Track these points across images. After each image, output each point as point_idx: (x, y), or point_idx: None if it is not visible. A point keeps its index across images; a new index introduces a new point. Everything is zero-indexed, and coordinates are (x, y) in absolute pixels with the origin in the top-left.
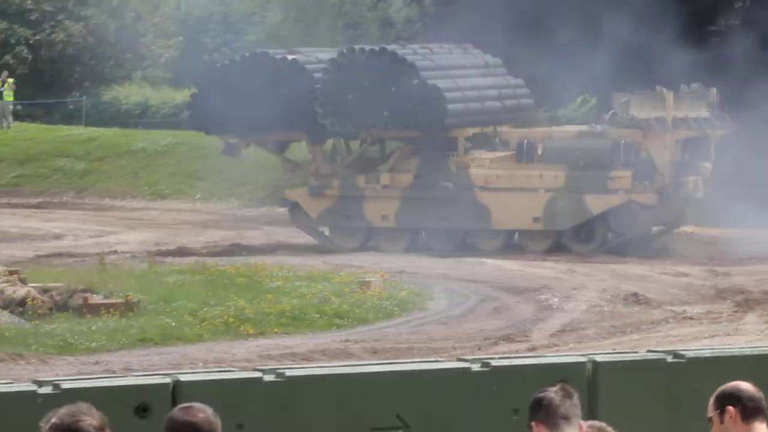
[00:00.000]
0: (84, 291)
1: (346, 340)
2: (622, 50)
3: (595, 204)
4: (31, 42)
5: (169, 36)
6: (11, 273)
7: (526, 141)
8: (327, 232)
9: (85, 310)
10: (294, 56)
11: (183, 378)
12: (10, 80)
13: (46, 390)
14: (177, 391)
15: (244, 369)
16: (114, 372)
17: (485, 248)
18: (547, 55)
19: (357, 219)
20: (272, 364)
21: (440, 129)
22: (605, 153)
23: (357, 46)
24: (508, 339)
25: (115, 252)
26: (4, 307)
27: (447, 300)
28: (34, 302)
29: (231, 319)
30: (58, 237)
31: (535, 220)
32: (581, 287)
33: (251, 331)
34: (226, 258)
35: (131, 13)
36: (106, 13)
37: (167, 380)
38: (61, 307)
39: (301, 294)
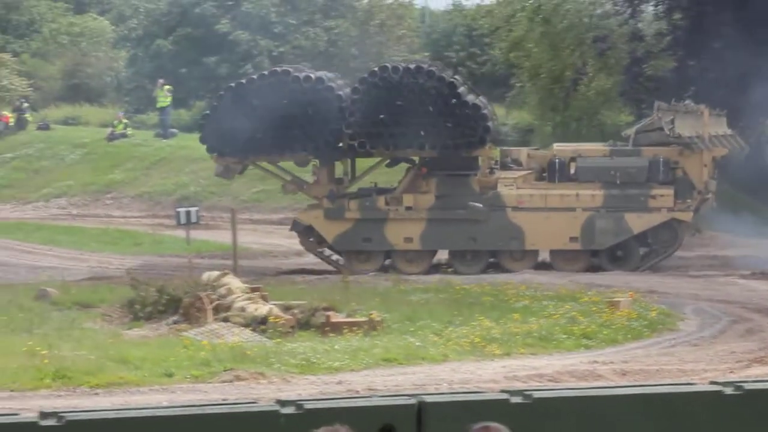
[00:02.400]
0: (326, 309)
1: (594, 362)
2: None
3: (636, 223)
4: (274, 54)
5: (413, 50)
6: (253, 290)
7: (557, 160)
8: (335, 257)
9: (327, 328)
10: (319, 74)
11: (428, 399)
12: (167, 87)
13: (289, 410)
14: (422, 412)
15: (491, 390)
16: (357, 392)
17: (514, 269)
18: None
19: (378, 242)
20: (519, 386)
21: (480, 148)
22: (643, 171)
23: (390, 65)
24: (761, 361)
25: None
26: (246, 325)
27: (698, 321)
28: (276, 320)
29: (477, 339)
30: (299, 254)
31: (572, 239)
32: None
33: (497, 352)
34: (472, 277)
35: (376, 22)
36: (350, 22)
37: (412, 401)
38: (303, 326)
39: (548, 314)
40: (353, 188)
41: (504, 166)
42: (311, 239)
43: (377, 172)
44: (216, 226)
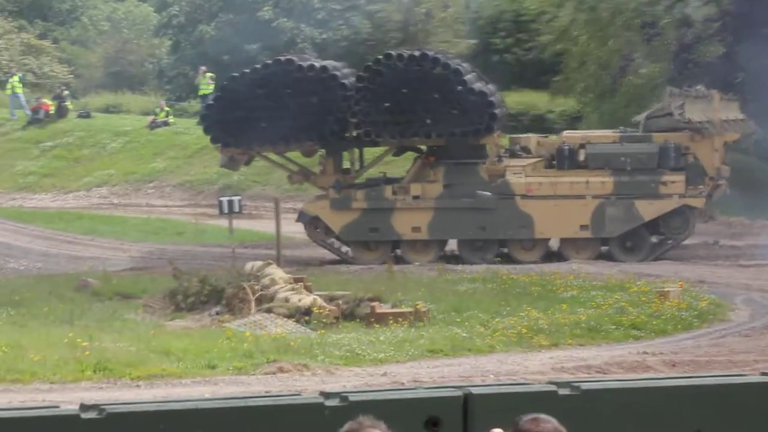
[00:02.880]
0: (371, 300)
1: (644, 353)
2: None
3: (648, 210)
4: (317, 41)
5: (458, 35)
6: (297, 281)
7: (567, 147)
8: (344, 249)
9: (372, 319)
10: (323, 63)
11: (474, 391)
12: (209, 74)
13: (333, 402)
14: (468, 404)
15: (538, 382)
16: (402, 384)
17: (524, 258)
18: None
19: (386, 232)
20: (566, 377)
21: (489, 136)
22: (653, 157)
23: (395, 53)
24: None
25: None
26: (290, 316)
27: (749, 311)
28: (321, 311)
29: (524, 330)
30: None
31: (582, 227)
32: None
33: (545, 343)
34: (519, 266)
35: (422, 9)
36: (395, 7)
37: (458, 393)
38: (347, 317)
39: (596, 304)
40: (362, 178)
41: (513, 154)
42: (318, 230)
43: (390, 163)
44: (259, 216)
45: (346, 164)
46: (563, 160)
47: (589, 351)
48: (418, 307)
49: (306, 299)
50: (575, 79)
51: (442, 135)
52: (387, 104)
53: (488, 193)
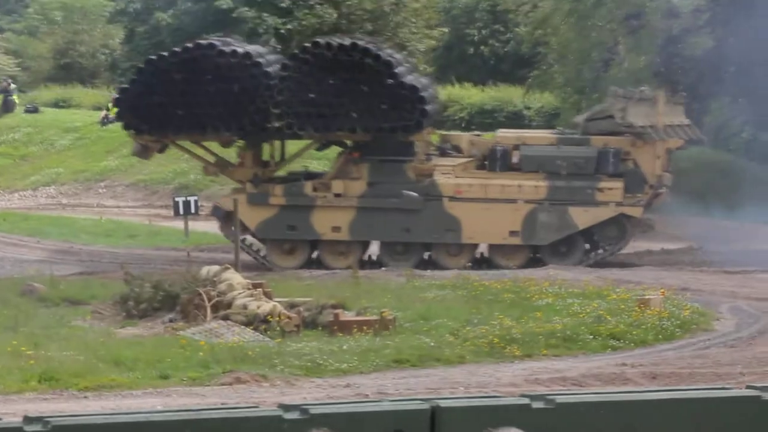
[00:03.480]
0: (334, 307)
1: (623, 364)
2: None
3: (582, 218)
4: (281, 31)
5: (431, 26)
6: (255, 286)
7: (499, 148)
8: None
9: (335, 327)
10: (247, 49)
11: (443, 404)
12: None
13: (293, 415)
14: (436, 418)
15: (511, 394)
16: (367, 396)
17: (449, 265)
18: None
19: (304, 230)
20: (541, 390)
21: (416, 132)
22: (591, 162)
23: (323, 41)
24: None
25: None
26: (248, 324)
27: (735, 320)
28: (280, 319)
29: (496, 340)
30: None
31: (512, 233)
32: None
33: (518, 353)
34: (491, 272)
35: None
36: None
37: (425, 406)
38: (309, 325)
39: (573, 312)
40: (283, 172)
41: (443, 153)
42: (233, 227)
43: (321, 159)
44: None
45: (267, 157)
46: (495, 161)
47: (565, 362)
48: (384, 314)
49: (265, 306)
50: (554, 72)
51: (368, 130)
52: (312, 95)
53: (414, 194)
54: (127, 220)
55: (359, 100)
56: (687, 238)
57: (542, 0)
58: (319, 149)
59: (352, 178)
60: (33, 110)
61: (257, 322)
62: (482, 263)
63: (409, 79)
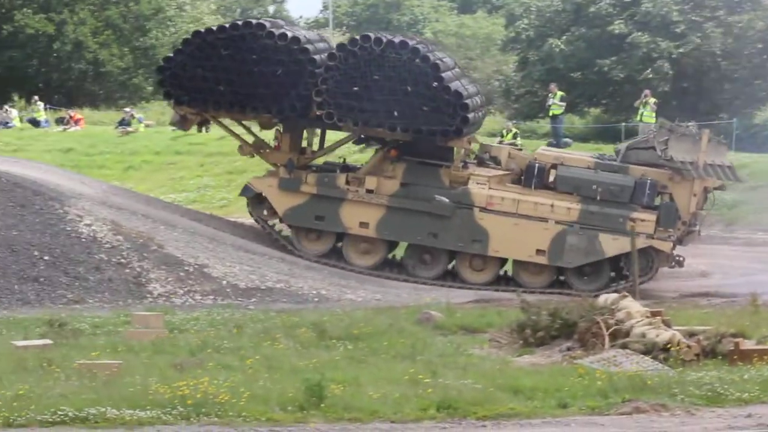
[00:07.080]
0: (734, 336)
1: None
2: None
3: (611, 245)
4: (674, 56)
5: None
6: (654, 314)
7: (537, 164)
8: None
9: (735, 356)
10: (297, 33)
11: None
12: (652, 100)
13: None
14: None
15: None
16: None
17: (470, 279)
18: None
19: (332, 222)
20: None
21: (455, 138)
22: (627, 191)
23: (374, 35)
24: None
25: None
26: (646, 353)
27: None
28: (680, 347)
29: None
30: (704, 275)
31: (539, 252)
32: None
33: None
34: None
35: None
36: (756, 16)
37: None
38: (708, 353)
39: None
40: (319, 161)
41: (481, 162)
42: (264, 209)
43: (353, 151)
44: None
45: (304, 144)
46: (531, 177)
47: None
48: None
49: (664, 334)
50: None
51: (407, 130)
52: (355, 88)
53: (446, 200)
54: None
55: (402, 99)
56: None
57: None
58: (356, 143)
59: (387, 176)
60: None
61: (656, 351)
62: (509, 281)
63: (455, 84)
